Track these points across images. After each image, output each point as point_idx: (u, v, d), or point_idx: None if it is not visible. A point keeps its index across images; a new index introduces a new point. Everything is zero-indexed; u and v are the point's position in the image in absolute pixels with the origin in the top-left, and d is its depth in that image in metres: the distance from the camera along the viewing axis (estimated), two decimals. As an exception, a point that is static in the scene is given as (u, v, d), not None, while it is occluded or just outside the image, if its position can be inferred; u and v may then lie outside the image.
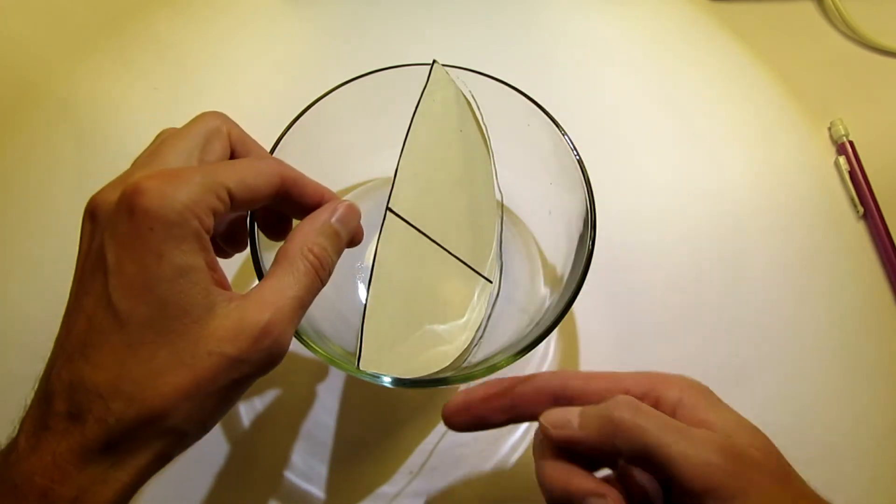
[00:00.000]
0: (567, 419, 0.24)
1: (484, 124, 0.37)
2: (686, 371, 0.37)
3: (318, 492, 0.34)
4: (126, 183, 0.22)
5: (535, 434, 0.26)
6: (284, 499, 0.34)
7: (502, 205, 0.39)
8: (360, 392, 0.36)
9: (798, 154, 0.46)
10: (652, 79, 0.49)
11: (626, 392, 0.25)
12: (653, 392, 0.25)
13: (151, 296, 0.21)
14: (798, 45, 0.51)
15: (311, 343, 0.29)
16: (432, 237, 0.34)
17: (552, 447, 0.25)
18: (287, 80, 0.47)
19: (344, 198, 0.29)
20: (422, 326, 0.33)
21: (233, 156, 0.27)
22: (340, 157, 0.38)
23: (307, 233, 0.25)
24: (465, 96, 0.35)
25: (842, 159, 0.45)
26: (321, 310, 0.35)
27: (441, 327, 0.34)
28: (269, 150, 0.33)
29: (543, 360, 0.38)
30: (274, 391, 0.36)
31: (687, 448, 0.22)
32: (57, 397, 0.21)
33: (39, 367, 0.37)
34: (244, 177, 0.24)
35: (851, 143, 0.45)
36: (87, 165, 0.43)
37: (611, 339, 0.39)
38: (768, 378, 0.38)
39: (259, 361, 0.22)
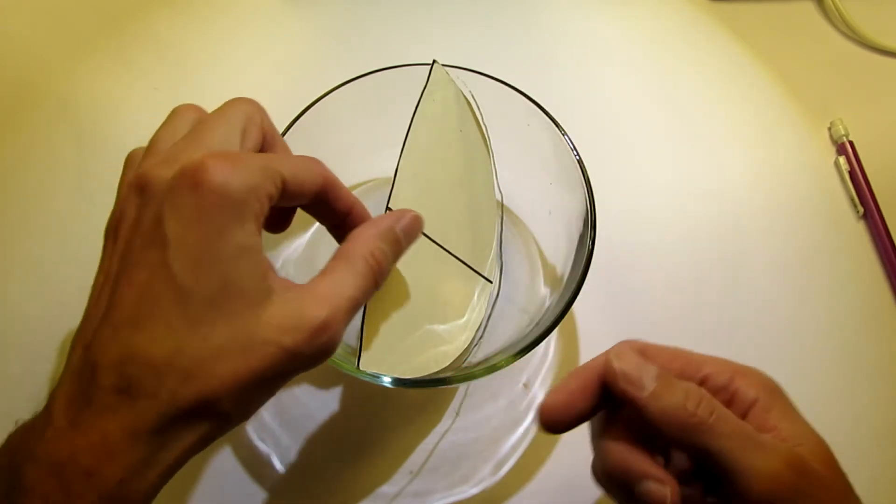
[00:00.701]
0: (641, 378, 0.24)
1: (484, 124, 0.37)
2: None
3: (318, 491, 0.34)
4: (182, 161, 0.22)
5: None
6: (284, 499, 0.34)
7: (502, 205, 0.39)
8: (360, 392, 0.36)
9: (798, 154, 0.46)
10: (652, 79, 0.49)
11: (706, 379, 0.25)
12: (732, 385, 0.25)
13: (214, 272, 0.20)
14: (798, 45, 0.51)
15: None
16: (432, 237, 0.34)
17: (620, 426, 0.25)
18: (287, 80, 0.47)
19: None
20: (422, 327, 0.33)
21: (262, 148, 0.27)
22: (340, 157, 0.38)
23: (371, 236, 0.25)
24: (465, 96, 0.35)
25: (842, 159, 0.45)
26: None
27: (441, 327, 0.34)
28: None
29: (543, 360, 0.38)
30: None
31: (754, 458, 0.22)
32: (103, 370, 0.20)
33: (39, 366, 0.37)
34: (297, 171, 0.24)
35: (851, 143, 0.45)
36: (87, 165, 0.43)
37: (611, 339, 0.38)
38: (768, 378, 0.38)
39: (311, 357, 0.22)
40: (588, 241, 0.31)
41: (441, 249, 0.34)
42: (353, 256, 0.24)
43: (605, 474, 0.25)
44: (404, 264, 0.33)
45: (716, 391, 0.25)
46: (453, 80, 0.34)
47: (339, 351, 0.32)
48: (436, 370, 0.33)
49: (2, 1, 0.49)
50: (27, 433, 0.21)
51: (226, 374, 0.20)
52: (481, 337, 0.36)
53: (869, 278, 0.42)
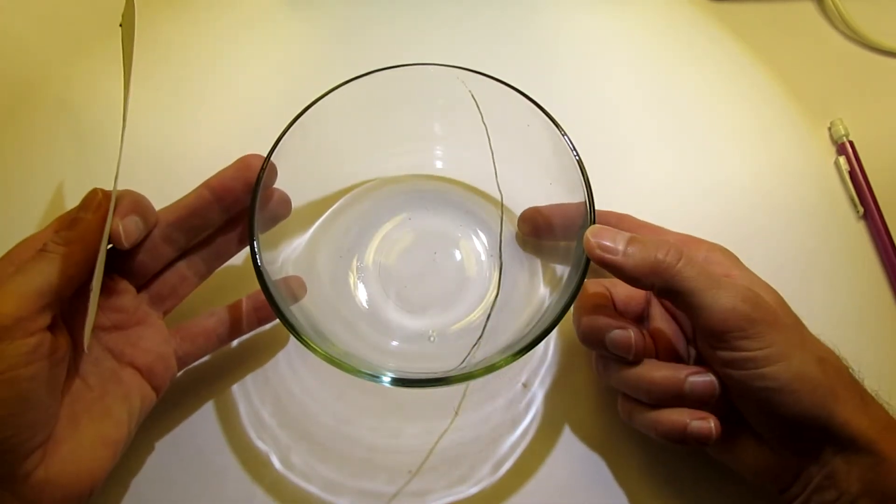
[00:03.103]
0: (615, 244, 0.28)
1: (484, 124, 0.37)
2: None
3: (317, 492, 0.34)
4: None
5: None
6: (284, 499, 0.34)
7: (502, 205, 0.39)
8: (359, 392, 0.36)
9: (798, 154, 0.46)
10: (652, 79, 0.49)
11: None
12: (685, 249, 0.28)
13: None
14: (798, 45, 0.51)
15: (310, 343, 0.29)
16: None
17: (589, 299, 0.32)
18: (287, 80, 0.47)
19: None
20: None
21: None
22: (340, 157, 0.39)
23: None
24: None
25: (842, 159, 0.45)
26: (321, 310, 0.35)
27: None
28: (269, 150, 0.33)
29: (543, 360, 0.38)
30: (273, 392, 0.36)
31: (716, 295, 0.27)
32: None
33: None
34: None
35: (851, 143, 0.45)
36: (87, 165, 0.43)
37: (611, 339, 0.39)
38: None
39: None
40: (588, 241, 0.31)
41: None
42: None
43: (582, 338, 0.31)
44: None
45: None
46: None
47: (340, 351, 0.32)
48: (437, 370, 0.33)
49: (2, 1, 0.49)
50: None
51: None
52: (480, 337, 0.36)
53: (869, 278, 0.42)
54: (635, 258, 0.27)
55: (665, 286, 0.27)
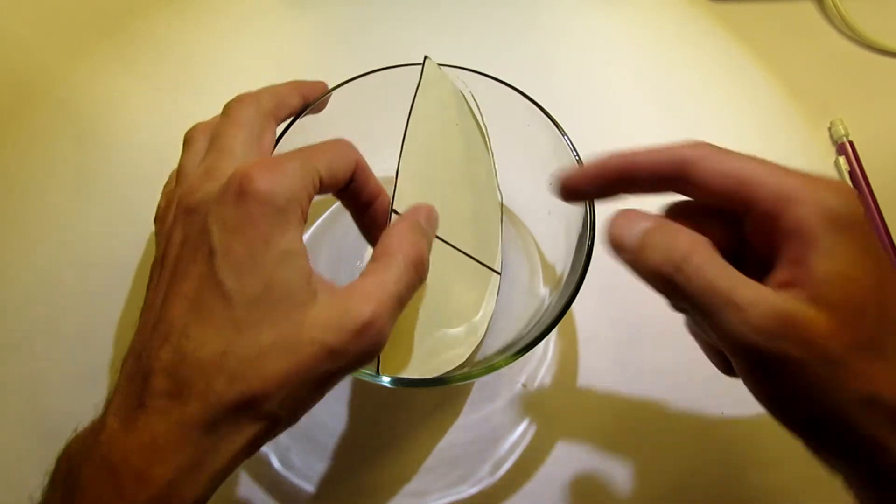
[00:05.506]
0: (622, 240, 0.24)
1: (483, 123, 0.37)
2: (686, 371, 0.37)
3: (317, 492, 0.34)
4: (218, 174, 0.23)
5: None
6: (284, 499, 0.34)
7: (502, 205, 0.39)
8: (359, 392, 0.36)
9: (798, 154, 0.46)
10: (652, 79, 0.49)
11: (751, 206, 0.23)
12: (777, 214, 0.22)
13: (259, 276, 0.21)
14: (798, 45, 0.51)
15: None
16: (440, 236, 0.34)
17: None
18: (287, 80, 0.47)
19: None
20: (437, 328, 0.33)
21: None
22: (340, 157, 0.38)
23: (404, 230, 0.25)
24: (460, 91, 0.35)
25: (842, 159, 0.45)
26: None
27: (455, 329, 0.34)
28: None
29: (542, 360, 0.38)
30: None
31: (726, 318, 0.20)
32: (156, 375, 0.21)
33: (39, 366, 0.37)
34: (332, 162, 0.25)
35: (851, 143, 0.45)
36: (87, 165, 0.43)
37: (611, 339, 0.39)
38: (768, 378, 0.38)
39: (358, 354, 0.22)
40: (587, 241, 0.31)
41: (449, 248, 0.34)
42: (391, 253, 0.24)
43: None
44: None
45: (759, 220, 0.22)
46: (446, 75, 0.34)
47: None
48: (447, 370, 0.33)
49: (2, 1, 0.49)
50: (86, 436, 0.22)
51: (271, 374, 0.20)
52: (482, 337, 0.36)
53: (869, 278, 0.42)
54: (640, 265, 0.23)
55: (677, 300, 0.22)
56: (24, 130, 0.44)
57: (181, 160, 0.28)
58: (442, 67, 0.34)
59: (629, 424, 0.36)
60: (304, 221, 0.23)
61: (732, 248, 0.23)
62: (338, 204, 0.39)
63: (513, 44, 0.49)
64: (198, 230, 0.22)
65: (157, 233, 0.27)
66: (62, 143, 0.44)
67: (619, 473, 0.35)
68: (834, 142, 0.46)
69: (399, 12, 0.50)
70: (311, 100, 0.32)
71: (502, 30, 0.50)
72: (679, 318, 0.39)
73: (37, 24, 0.48)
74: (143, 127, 0.44)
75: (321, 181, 0.24)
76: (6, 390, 0.36)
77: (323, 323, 0.21)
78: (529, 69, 0.48)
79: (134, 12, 0.49)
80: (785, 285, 0.20)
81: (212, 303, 0.21)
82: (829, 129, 0.47)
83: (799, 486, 0.35)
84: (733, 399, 0.37)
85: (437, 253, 0.34)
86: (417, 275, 0.24)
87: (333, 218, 0.40)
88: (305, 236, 0.38)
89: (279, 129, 0.33)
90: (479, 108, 0.36)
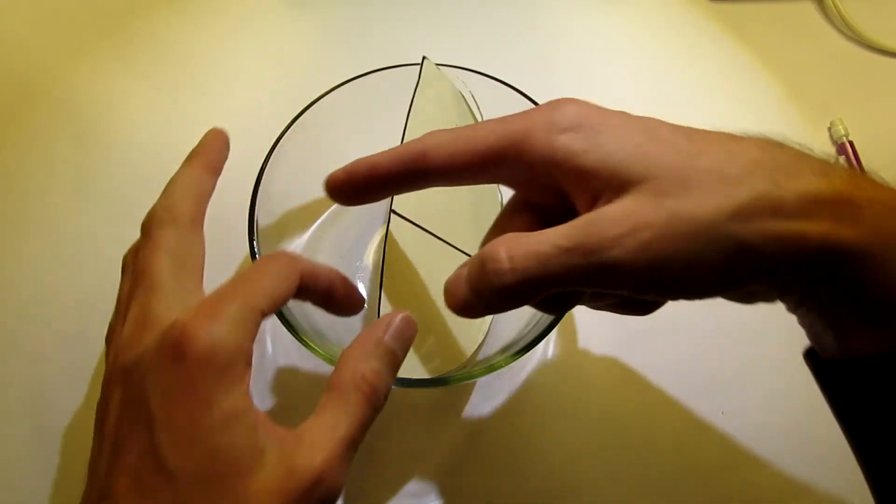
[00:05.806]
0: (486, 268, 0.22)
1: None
2: (686, 371, 0.37)
3: (317, 492, 0.34)
4: (155, 324, 0.22)
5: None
6: (284, 499, 0.34)
7: (502, 205, 0.39)
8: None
9: (798, 154, 0.46)
10: (652, 78, 0.49)
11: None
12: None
13: (202, 447, 0.20)
14: (798, 45, 0.51)
15: (310, 343, 0.29)
16: (439, 235, 0.34)
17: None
18: (287, 80, 0.47)
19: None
20: (433, 326, 0.33)
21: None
22: (340, 157, 0.38)
23: (358, 358, 0.23)
24: (459, 91, 0.35)
25: (842, 159, 0.45)
26: (321, 310, 0.35)
27: (452, 328, 0.34)
28: (269, 149, 0.33)
29: (543, 360, 0.38)
30: (273, 393, 0.36)
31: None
32: None
33: (38, 366, 0.37)
34: (273, 291, 0.23)
35: (851, 143, 0.45)
36: (86, 165, 0.43)
37: (611, 339, 0.39)
38: (769, 378, 0.38)
39: None
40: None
41: (450, 248, 0.34)
42: (342, 387, 0.23)
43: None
44: (414, 264, 0.33)
45: (525, 173, 0.24)
46: (445, 75, 0.34)
47: (340, 351, 0.32)
48: (449, 370, 0.33)
49: (2, 1, 0.49)
50: None
51: None
52: (483, 337, 0.36)
53: (869, 278, 0.42)
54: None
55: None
56: (24, 130, 0.44)
57: (119, 291, 0.27)
58: (442, 67, 0.34)
59: (629, 424, 0.36)
60: (250, 366, 0.22)
61: (561, 213, 0.24)
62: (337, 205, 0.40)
63: (513, 44, 0.49)
64: (136, 395, 0.21)
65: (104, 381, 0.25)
66: (62, 143, 0.44)
67: (618, 472, 0.35)
68: (834, 142, 0.46)
69: (399, 12, 0.50)
70: (219, 166, 0.30)
71: (502, 30, 0.50)
72: (679, 319, 0.40)
73: (37, 24, 0.48)
74: (143, 127, 0.44)
75: (264, 314, 0.22)
76: (6, 390, 0.36)
77: (270, 489, 0.20)
78: (529, 69, 0.48)
79: (134, 12, 0.49)
80: (594, 202, 0.22)
81: (154, 482, 0.20)
82: (829, 129, 0.47)
83: (799, 486, 0.35)
84: (733, 399, 0.37)
85: (438, 253, 0.34)
86: (372, 409, 0.23)
87: (333, 218, 0.40)
88: (305, 237, 0.38)
89: (279, 130, 0.33)
90: (478, 108, 0.36)
